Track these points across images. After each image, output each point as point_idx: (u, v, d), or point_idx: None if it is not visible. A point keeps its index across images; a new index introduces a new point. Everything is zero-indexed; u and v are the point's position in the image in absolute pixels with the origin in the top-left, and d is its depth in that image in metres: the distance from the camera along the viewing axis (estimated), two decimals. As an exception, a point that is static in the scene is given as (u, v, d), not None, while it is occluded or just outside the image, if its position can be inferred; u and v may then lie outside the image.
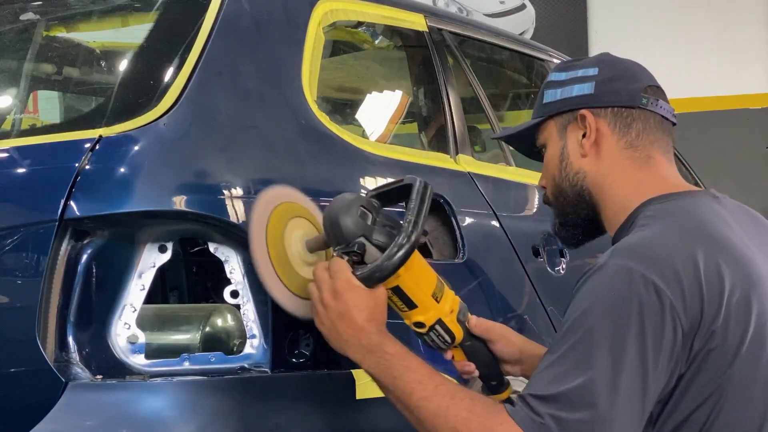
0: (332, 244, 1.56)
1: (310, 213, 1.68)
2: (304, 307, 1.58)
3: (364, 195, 1.64)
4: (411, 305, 1.58)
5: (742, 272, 1.46)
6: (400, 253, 1.48)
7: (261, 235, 1.55)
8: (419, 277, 1.58)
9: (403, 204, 1.60)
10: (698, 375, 1.42)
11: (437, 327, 1.62)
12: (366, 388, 1.75)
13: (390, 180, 1.99)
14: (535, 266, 2.47)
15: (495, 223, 2.37)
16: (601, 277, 1.42)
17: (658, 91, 1.65)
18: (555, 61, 3.37)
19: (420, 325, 1.61)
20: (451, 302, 1.63)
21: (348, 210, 1.52)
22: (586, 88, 1.63)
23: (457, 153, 2.43)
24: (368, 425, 1.79)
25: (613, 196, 1.61)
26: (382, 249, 1.52)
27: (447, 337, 1.64)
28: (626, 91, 1.62)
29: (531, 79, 3.67)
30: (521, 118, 3.77)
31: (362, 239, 1.51)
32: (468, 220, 2.24)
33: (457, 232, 2.17)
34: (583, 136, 1.62)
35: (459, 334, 1.65)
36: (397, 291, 1.55)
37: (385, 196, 1.64)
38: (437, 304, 1.60)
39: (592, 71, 1.64)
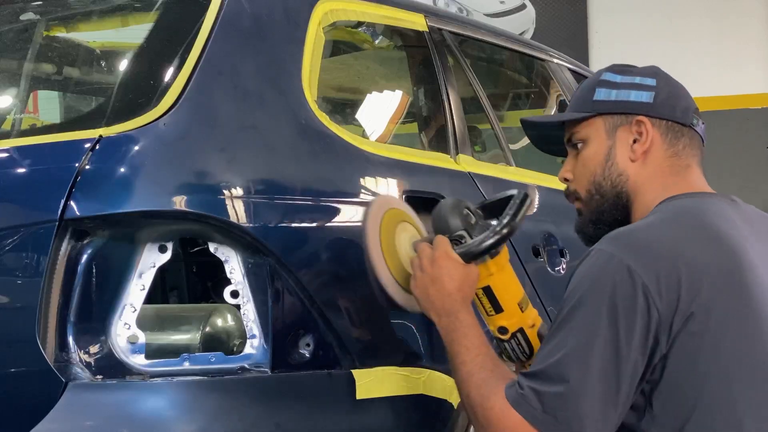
0: None
1: (413, 219, 1.86)
2: (412, 300, 1.70)
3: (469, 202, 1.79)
4: (498, 308, 1.71)
5: (733, 264, 1.50)
6: (497, 236, 1.65)
7: (375, 237, 1.73)
8: (509, 282, 1.73)
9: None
10: (681, 357, 1.46)
11: (518, 335, 1.73)
12: (366, 388, 1.75)
13: (392, 179, 2.01)
14: (535, 266, 2.47)
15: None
16: (586, 263, 1.52)
17: (699, 114, 1.71)
18: (555, 61, 3.36)
19: (503, 330, 1.72)
20: (533, 317, 1.75)
21: (455, 209, 1.72)
22: (645, 96, 1.66)
23: (457, 153, 2.43)
24: (368, 425, 1.79)
25: (645, 199, 1.65)
26: None
27: (526, 348, 1.73)
28: (681, 108, 1.67)
29: (531, 79, 3.67)
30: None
31: (464, 232, 1.68)
32: (468, 220, 2.23)
33: (457, 232, 2.17)
34: (634, 141, 1.65)
35: (538, 348, 1.70)
36: (487, 291, 1.70)
37: (489, 207, 1.79)
38: (521, 313, 1.73)
39: (650, 81, 1.68)
